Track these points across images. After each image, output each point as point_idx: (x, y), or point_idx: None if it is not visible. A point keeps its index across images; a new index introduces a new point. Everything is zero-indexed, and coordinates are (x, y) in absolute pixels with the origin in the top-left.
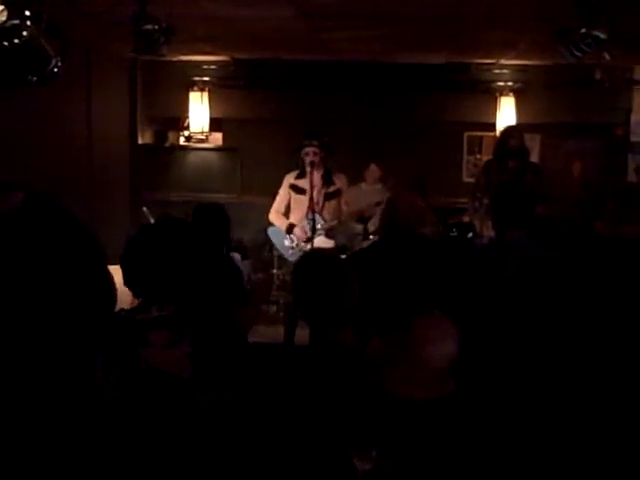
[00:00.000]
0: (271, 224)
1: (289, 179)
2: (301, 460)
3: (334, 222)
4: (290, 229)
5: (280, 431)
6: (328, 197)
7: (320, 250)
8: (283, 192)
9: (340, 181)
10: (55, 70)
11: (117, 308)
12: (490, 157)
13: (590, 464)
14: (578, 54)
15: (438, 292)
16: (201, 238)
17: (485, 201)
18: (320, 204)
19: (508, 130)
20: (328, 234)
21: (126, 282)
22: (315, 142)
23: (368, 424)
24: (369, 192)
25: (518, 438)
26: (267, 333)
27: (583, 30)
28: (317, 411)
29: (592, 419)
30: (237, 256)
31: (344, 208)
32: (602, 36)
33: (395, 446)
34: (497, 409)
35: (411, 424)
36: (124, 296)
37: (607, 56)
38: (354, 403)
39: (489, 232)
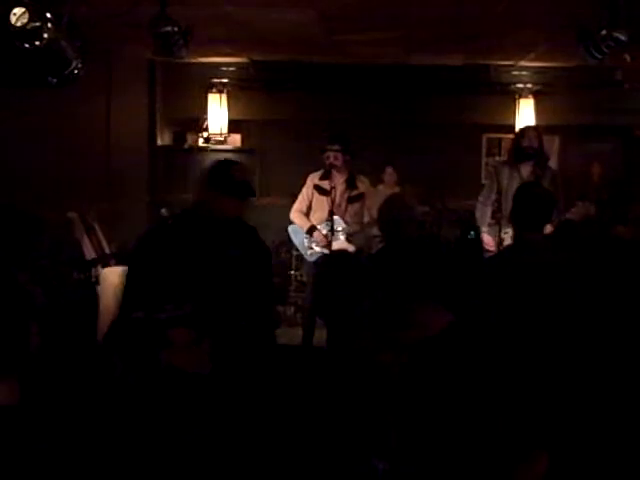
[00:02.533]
0: (291, 222)
1: (313, 179)
2: (320, 461)
3: (356, 227)
4: (311, 231)
5: (299, 432)
6: (351, 200)
7: (343, 251)
8: (306, 192)
9: (363, 185)
10: (75, 72)
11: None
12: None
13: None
14: (598, 56)
15: (444, 293)
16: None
17: (489, 209)
18: (343, 207)
19: (523, 130)
20: (348, 238)
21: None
22: (336, 146)
23: (386, 424)
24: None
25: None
26: (285, 335)
27: (604, 32)
28: (335, 412)
29: (604, 421)
30: None
31: (366, 212)
32: (623, 37)
33: (412, 445)
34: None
35: (427, 423)
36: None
37: (628, 58)
38: (371, 404)
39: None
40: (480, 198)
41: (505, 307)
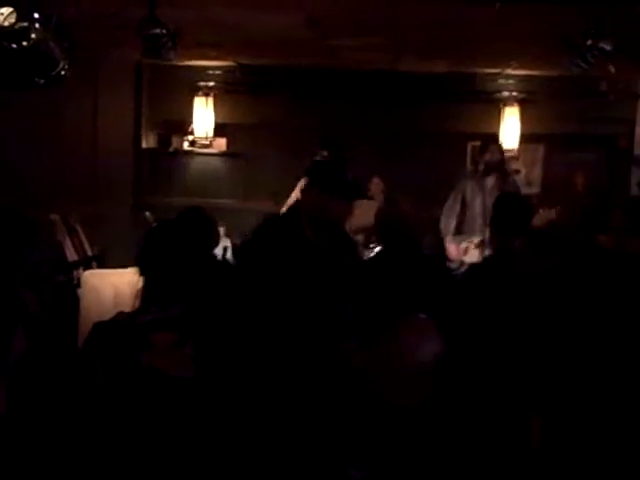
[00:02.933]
0: None
1: (302, 184)
2: (298, 469)
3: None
4: None
5: (278, 439)
6: None
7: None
8: (295, 195)
9: None
10: (62, 73)
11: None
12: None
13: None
14: (583, 65)
15: (431, 300)
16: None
17: (453, 220)
18: None
19: (485, 145)
20: None
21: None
22: (325, 152)
23: (362, 433)
24: (373, 206)
25: (509, 443)
26: None
27: (589, 42)
28: (315, 420)
29: (587, 430)
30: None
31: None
32: (608, 48)
33: (388, 454)
34: (493, 414)
35: (400, 430)
36: (126, 299)
37: (612, 68)
38: (349, 412)
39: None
40: (444, 210)
41: (490, 317)
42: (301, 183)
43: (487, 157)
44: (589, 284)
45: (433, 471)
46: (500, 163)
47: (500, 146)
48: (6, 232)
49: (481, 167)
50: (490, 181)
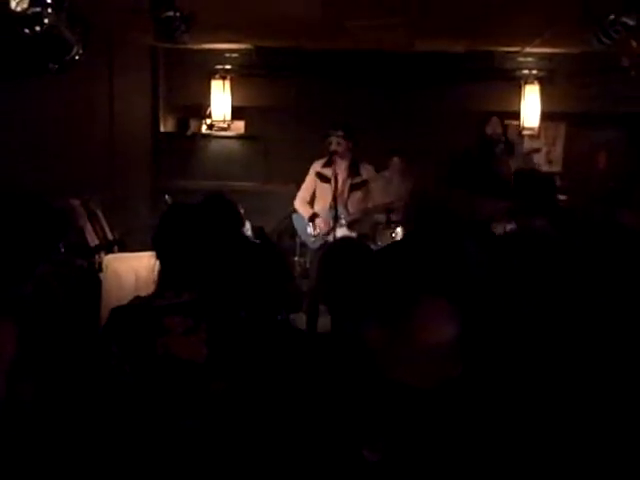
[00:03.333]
0: (295, 211)
1: (316, 167)
2: (311, 451)
3: (357, 215)
4: (312, 218)
5: (292, 421)
6: (354, 188)
7: (350, 238)
8: (309, 180)
9: (367, 172)
10: (76, 58)
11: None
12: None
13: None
14: (606, 41)
15: (454, 280)
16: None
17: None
18: (345, 195)
19: (486, 119)
20: (350, 226)
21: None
22: (340, 132)
23: (376, 415)
24: (395, 184)
25: (526, 425)
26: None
27: (612, 16)
28: (330, 401)
29: (601, 411)
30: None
31: (370, 201)
32: (631, 23)
33: (402, 436)
34: (507, 395)
35: (415, 412)
36: (146, 283)
37: (634, 44)
38: (364, 393)
39: None
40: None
41: (512, 297)
42: (313, 166)
43: (488, 130)
44: (612, 263)
45: (449, 454)
46: (502, 135)
47: (501, 120)
48: (36, 221)
49: (484, 141)
50: (492, 153)
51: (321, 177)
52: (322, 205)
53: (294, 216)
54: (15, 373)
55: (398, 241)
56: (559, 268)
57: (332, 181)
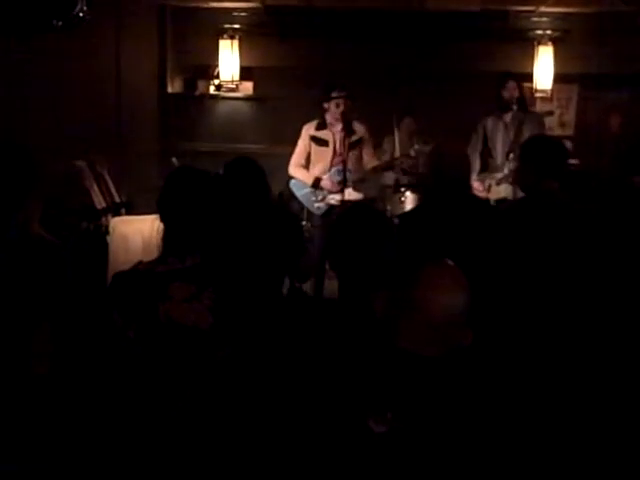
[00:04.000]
0: (291, 177)
1: (309, 130)
2: (317, 421)
3: (358, 174)
4: (317, 183)
5: (297, 390)
6: (351, 147)
7: (363, 204)
8: (303, 144)
9: (361, 130)
10: (81, 15)
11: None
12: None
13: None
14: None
15: (467, 245)
16: (232, 190)
17: (477, 158)
18: (344, 155)
19: (502, 81)
20: (356, 186)
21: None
22: (344, 92)
23: (383, 385)
24: (404, 142)
25: (533, 396)
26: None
27: None
28: (335, 370)
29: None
30: None
31: (366, 158)
32: None
33: (410, 407)
34: (515, 366)
35: (424, 382)
36: (153, 246)
37: None
38: (370, 363)
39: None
40: (468, 149)
41: (524, 263)
42: (305, 129)
43: (506, 95)
44: (626, 225)
45: (457, 426)
46: (519, 98)
47: (517, 81)
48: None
49: (499, 103)
50: (508, 117)
51: (317, 140)
52: (320, 168)
53: (292, 183)
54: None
55: (419, 206)
56: (568, 232)
57: (331, 143)
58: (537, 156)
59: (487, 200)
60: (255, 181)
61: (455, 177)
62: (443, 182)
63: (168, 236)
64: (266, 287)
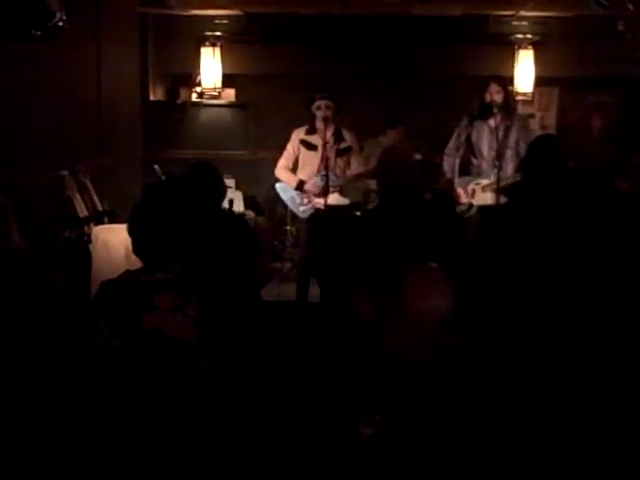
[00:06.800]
0: (278, 180)
1: (299, 134)
2: (305, 424)
3: (345, 180)
4: (300, 186)
5: (284, 395)
6: (339, 154)
7: (338, 210)
8: (292, 148)
9: (350, 138)
10: (60, 24)
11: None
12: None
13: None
14: (604, 3)
15: (440, 247)
16: (201, 196)
17: (457, 160)
18: (332, 161)
19: (485, 85)
20: (342, 191)
21: (134, 246)
22: (327, 95)
23: (371, 387)
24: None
25: (521, 397)
26: (281, 291)
27: None
28: (323, 374)
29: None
30: (251, 213)
31: (353, 165)
32: None
33: (397, 409)
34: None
35: (410, 384)
36: (134, 257)
37: (631, 7)
38: (358, 366)
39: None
40: (446, 151)
41: (505, 265)
42: (295, 133)
43: (487, 99)
44: (607, 229)
45: (445, 427)
46: (502, 102)
47: (503, 83)
48: None
49: (482, 107)
50: (495, 119)
51: (306, 145)
52: (307, 172)
53: (278, 186)
54: None
55: (379, 205)
56: (552, 233)
57: (320, 148)
58: (535, 161)
59: (450, 200)
60: (211, 186)
61: (400, 179)
62: (390, 184)
63: (144, 249)
64: (247, 296)
